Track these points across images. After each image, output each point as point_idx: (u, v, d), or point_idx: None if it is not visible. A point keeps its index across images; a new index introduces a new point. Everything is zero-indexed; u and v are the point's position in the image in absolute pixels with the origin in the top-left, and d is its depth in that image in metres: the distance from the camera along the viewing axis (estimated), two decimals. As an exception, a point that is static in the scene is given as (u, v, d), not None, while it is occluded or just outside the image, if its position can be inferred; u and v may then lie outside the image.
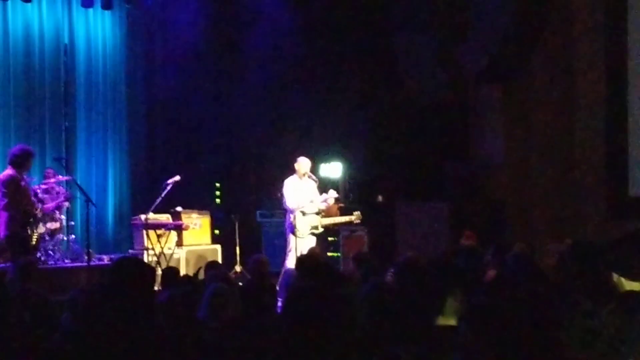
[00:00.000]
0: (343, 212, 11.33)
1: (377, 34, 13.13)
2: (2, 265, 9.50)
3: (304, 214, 10.78)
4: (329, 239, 11.54)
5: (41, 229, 11.32)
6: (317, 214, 10.91)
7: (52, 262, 11.00)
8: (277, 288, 7.98)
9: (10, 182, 9.46)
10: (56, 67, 13.31)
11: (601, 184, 11.83)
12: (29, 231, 9.86)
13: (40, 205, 10.78)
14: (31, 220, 9.99)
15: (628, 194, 11.63)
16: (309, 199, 10.82)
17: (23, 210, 9.62)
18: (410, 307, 4.74)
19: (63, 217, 11.70)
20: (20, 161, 9.55)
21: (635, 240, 6.90)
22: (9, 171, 9.52)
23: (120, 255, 11.30)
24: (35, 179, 11.77)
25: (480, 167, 12.57)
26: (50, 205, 11.40)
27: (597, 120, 11.91)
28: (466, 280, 5.51)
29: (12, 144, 12.20)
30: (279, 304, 6.95)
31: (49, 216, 11.42)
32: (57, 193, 11.62)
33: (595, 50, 11.97)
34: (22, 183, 9.66)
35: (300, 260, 7.92)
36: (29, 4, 12.78)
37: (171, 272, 7.85)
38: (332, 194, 10.86)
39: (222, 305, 5.52)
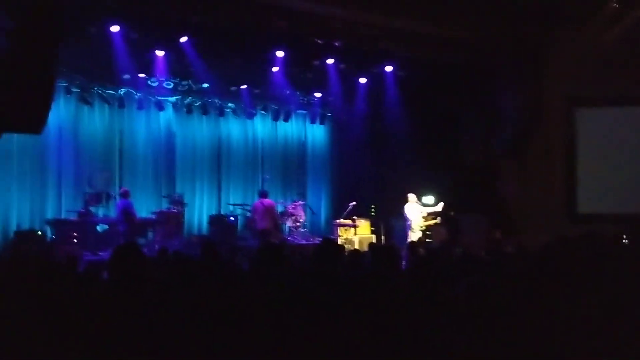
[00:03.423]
0: (433, 219, 10.94)
1: (448, 133, 12.86)
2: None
3: (415, 220, 10.65)
4: (427, 232, 10.97)
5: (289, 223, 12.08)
6: (423, 217, 10.70)
7: (295, 242, 11.46)
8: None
9: None
10: (297, 151, 14.07)
11: (563, 206, 11.83)
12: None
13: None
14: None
15: (578, 211, 11.78)
16: (418, 214, 10.71)
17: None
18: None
19: (301, 220, 12.33)
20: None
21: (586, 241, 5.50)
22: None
23: (326, 237, 10.30)
24: (289, 202, 12.61)
25: (503, 200, 12.33)
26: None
27: (562, 173, 11.92)
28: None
29: (278, 191, 13.28)
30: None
31: (294, 219, 12.03)
32: (298, 210, 12.25)
33: (561, 143, 11.97)
34: None
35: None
36: (287, 123, 13.63)
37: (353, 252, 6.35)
38: (440, 204, 10.71)
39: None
